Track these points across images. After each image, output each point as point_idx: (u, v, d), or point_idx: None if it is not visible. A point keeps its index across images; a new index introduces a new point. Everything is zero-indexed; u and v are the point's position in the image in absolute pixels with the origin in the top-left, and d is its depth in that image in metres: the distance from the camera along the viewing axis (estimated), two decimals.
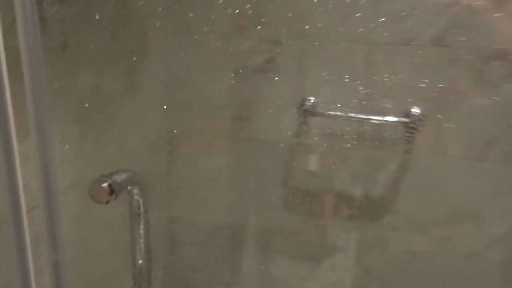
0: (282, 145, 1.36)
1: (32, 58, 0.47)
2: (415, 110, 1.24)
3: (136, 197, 0.83)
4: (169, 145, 1.43)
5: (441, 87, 1.20)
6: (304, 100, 1.30)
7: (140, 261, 0.90)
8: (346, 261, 1.42)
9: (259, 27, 1.28)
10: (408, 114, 1.24)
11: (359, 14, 1.20)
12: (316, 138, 1.33)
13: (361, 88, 1.26)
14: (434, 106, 1.22)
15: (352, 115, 1.24)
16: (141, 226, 0.87)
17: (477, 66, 1.16)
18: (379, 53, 1.22)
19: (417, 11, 1.16)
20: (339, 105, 1.28)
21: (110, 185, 0.70)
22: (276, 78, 1.31)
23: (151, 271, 0.93)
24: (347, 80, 1.26)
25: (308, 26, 1.25)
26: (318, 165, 1.36)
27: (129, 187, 0.81)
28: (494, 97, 1.17)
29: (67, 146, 0.90)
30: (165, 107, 1.41)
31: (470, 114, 1.20)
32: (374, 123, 1.26)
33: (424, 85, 1.21)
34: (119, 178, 0.74)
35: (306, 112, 1.30)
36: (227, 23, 1.31)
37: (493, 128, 1.19)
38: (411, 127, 1.25)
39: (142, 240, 0.88)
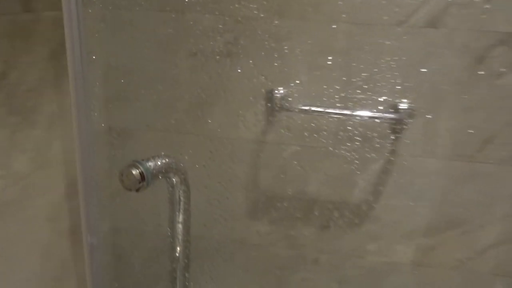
0: (246, 143, 1.15)
1: None
2: (404, 104, 1.06)
3: (174, 186, 0.81)
4: (108, 146, 1.18)
5: (434, 76, 1.02)
6: (273, 91, 1.09)
7: (178, 249, 0.89)
8: (319, 274, 1.24)
9: (222, 1, 1.05)
10: (395, 109, 1.06)
11: None
12: (287, 136, 1.13)
13: (342, 77, 1.06)
14: (426, 99, 1.04)
15: (330, 110, 1.04)
16: (180, 216, 0.86)
17: (478, 53, 0.99)
18: (364, 35, 1.02)
19: None
20: (314, 98, 1.08)
21: (141, 173, 0.66)
22: (240, 64, 1.09)
23: (189, 260, 0.92)
24: (325, 67, 1.06)
25: (281, 1, 1.03)
26: (289, 167, 1.16)
27: (170, 175, 0.78)
28: (495, 89, 1.01)
29: None
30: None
31: (466, 109, 1.03)
32: (355, 119, 1.07)
33: (415, 75, 1.03)
34: (153, 165, 0.70)
35: (275, 106, 1.09)
36: None
37: (491, 124, 1.03)
38: (397, 124, 1.07)
39: (180, 229, 0.87)
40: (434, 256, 1.17)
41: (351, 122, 1.09)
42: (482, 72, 1.00)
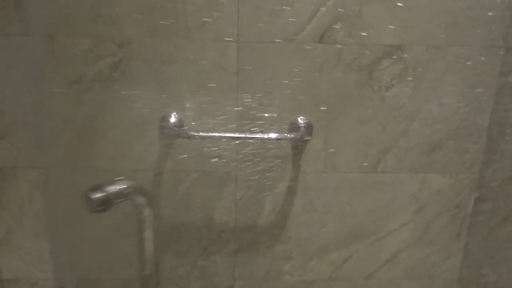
0: (142, 175, 1.06)
1: None
2: (301, 121, 1.03)
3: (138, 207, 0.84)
4: None
5: (329, 92, 1.01)
6: (166, 117, 1.01)
7: (146, 268, 0.91)
8: None
9: (98, 22, 0.95)
10: (293, 127, 1.03)
11: (230, 4, 0.94)
12: (186, 163, 1.05)
13: (236, 98, 1.01)
14: (322, 115, 1.03)
15: (227, 134, 0.98)
16: (145, 234, 0.88)
17: (367, 66, 0.99)
18: (256, 53, 0.98)
19: (299, 4, 0.94)
20: (209, 122, 1.02)
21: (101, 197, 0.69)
22: (126, 90, 1.00)
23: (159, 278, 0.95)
24: (218, 89, 1.00)
25: (164, 21, 0.96)
26: (191, 194, 1.09)
27: (133, 198, 0.81)
28: (386, 101, 1.02)
29: None
30: None
31: (361, 122, 1.03)
32: (254, 141, 1.02)
33: (310, 91, 1.01)
34: (113, 188, 0.72)
35: (169, 132, 1.01)
36: (53, 19, 0.95)
37: (386, 135, 1.04)
38: (298, 142, 1.04)
39: (146, 247, 0.89)
40: (347, 268, 1.17)
41: (251, 144, 1.04)
42: (373, 85, 1.00)
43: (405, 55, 0.98)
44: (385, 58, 0.98)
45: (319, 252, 1.15)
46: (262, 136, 1.01)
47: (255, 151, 1.05)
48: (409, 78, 1.00)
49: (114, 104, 1.01)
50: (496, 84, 1.01)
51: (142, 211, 0.87)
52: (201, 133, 0.98)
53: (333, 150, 1.05)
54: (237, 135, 0.98)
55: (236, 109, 1.01)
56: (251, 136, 1.00)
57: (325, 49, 0.97)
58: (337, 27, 0.96)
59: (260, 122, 1.02)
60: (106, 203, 0.70)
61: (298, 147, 1.06)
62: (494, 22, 0.97)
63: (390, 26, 0.96)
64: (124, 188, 0.77)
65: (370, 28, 0.96)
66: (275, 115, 1.03)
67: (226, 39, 0.96)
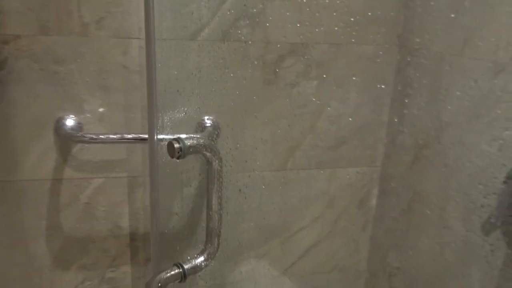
0: (38, 185, 0.97)
1: None
2: (208, 121, 1.01)
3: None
4: None
5: (235, 90, 1.00)
6: (62, 120, 0.94)
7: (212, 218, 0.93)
8: None
9: None
10: (201, 127, 1.01)
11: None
12: (86, 169, 0.98)
13: (139, 98, 0.96)
14: (230, 113, 1.01)
15: (130, 136, 0.93)
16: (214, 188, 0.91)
17: (272, 64, 0.99)
18: (160, 51, 0.93)
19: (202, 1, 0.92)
20: (110, 124, 0.96)
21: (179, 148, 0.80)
22: (15, 91, 0.91)
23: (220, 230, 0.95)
24: (119, 89, 0.94)
25: (57, 16, 0.88)
26: (95, 202, 1.01)
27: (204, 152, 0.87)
28: (292, 98, 1.03)
29: None
30: None
31: (270, 120, 1.03)
32: (160, 143, 0.98)
33: (217, 90, 0.99)
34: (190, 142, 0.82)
35: (67, 137, 0.93)
36: None
37: (295, 133, 1.06)
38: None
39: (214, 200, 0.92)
40: (261, 268, 1.16)
41: (159, 147, 1.00)
42: (278, 83, 1.01)
43: (309, 53, 1.00)
44: (290, 56, 0.99)
45: (234, 253, 1.14)
46: (168, 137, 0.97)
47: (165, 153, 1.01)
48: (313, 76, 1.02)
49: (2, 108, 0.91)
50: (393, 81, 1.07)
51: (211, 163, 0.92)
52: (101, 136, 0.92)
53: (241, 149, 1.04)
54: (139, 135, 0.93)
55: (140, 110, 0.96)
56: (156, 136, 0.95)
57: (229, 47, 0.96)
58: (240, 24, 0.95)
59: (166, 123, 0.98)
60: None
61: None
62: (390, 21, 1.03)
63: (293, 24, 0.97)
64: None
65: (274, 25, 0.96)
66: (181, 115, 0.99)
67: (127, 36, 0.91)
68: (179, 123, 0.99)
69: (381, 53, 1.05)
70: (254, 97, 1.01)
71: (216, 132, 1.01)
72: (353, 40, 1.01)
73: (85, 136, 0.92)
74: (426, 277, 0.98)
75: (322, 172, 1.10)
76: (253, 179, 1.07)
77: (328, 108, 1.05)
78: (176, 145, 0.80)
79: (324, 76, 1.02)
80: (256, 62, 0.98)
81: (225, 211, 1.07)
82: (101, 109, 0.95)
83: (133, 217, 1.04)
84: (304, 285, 1.23)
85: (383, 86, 1.07)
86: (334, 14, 0.98)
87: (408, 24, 1.01)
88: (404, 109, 1.04)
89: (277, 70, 1.00)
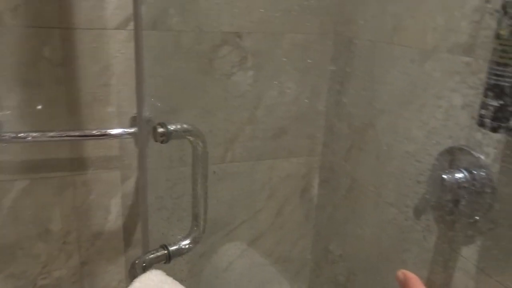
0: None
1: None
2: (145, 114, 0.96)
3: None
4: None
5: (169, 81, 0.96)
6: None
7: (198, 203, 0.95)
8: None
9: None
10: (136, 121, 0.96)
11: None
12: (7, 170, 0.91)
13: (65, 92, 0.90)
14: (165, 106, 0.97)
15: (56, 133, 0.87)
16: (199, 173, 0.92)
17: (206, 54, 0.96)
18: (85, 41, 0.88)
19: None
20: (34, 121, 0.89)
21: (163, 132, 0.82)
22: None
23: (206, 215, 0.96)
24: (43, 83, 0.88)
25: None
26: (21, 206, 0.94)
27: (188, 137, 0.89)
28: (228, 89, 1.00)
29: None
30: None
31: (206, 110, 1.00)
32: (93, 139, 0.93)
33: (150, 81, 0.94)
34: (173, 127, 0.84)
35: None
36: None
37: (232, 124, 1.03)
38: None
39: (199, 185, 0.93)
40: (204, 263, 1.14)
41: (90, 142, 0.94)
42: (213, 74, 0.98)
43: (244, 42, 0.97)
44: (224, 45, 0.96)
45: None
46: (100, 132, 0.92)
47: (93, 151, 0.95)
48: (249, 66, 0.99)
49: None
50: (330, 69, 1.07)
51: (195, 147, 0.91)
52: (23, 135, 0.85)
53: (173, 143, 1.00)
54: (67, 134, 0.87)
55: (66, 105, 0.90)
56: (86, 134, 0.90)
57: (160, 36, 0.92)
58: (171, 12, 0.91)
59: (96, 117, 0.93)
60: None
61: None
62: (325, 10, 1.02)
63: (227, 12, 0.94)
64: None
65: (206, 14, 0.93)
66: (113, 109, 0.94)
67: (47, 25, 0.85)
68: (111, 118, 0.94)
69: (316, 41, 1.05)
70: (189, 88, 0.97)
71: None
72: (288, 29, 1.00)
73: (4, 135, 0.85)
74: (365, 264, 1.00)
75: (262, 163, 1.09)
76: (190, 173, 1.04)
77: (266, 98, 1.04)
78: (160, 130, 0.82)
79: (261, 65, 1.01)
80: (189, 52, 0.95)
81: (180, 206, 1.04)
82: (21, 105, 0.88)
83: (65, 219, 0.98)
84: (249, 278, 1.22)
85: (318, 76, 1.07)
86: (268, 2, 0.97)
87: (342, 12, 1.01)
88: (340, 97, 1.05)
89: (212, 60, 0.97)
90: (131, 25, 0.89)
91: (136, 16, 0.79)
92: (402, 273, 0.43)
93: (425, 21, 0.77)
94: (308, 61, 1.05)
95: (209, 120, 1.01)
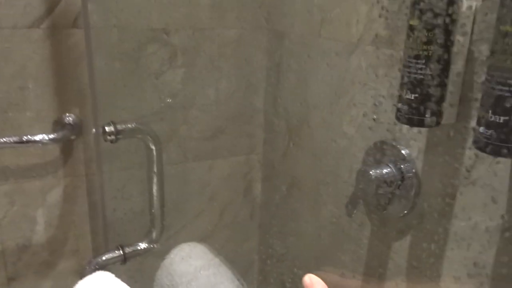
0: None
1: None
2: (69, 118, 0.91)
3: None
4: None
5: (91, 83, 0.90)
6: None
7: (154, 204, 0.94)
8: None
9: None
10: (59, 126, 0.90)
11: None
12: None
13: None
14: (89, 109, 0.92)
15: None
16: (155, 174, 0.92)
17: (131, 52, 0.91)
18: None
19: None
20: None
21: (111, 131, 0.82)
22: None
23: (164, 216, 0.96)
24: None
25: None
26: None
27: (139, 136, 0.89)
28: (158, 88, 0.96)
29: None
30: None
31: (135, 113, 0.96)
32: (10, 147, 0.86)
33: (73, 83, 0.89)
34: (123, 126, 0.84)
35: None
36: None
37: (164, 124, 0.99)
38: (66, 142, 0.91)
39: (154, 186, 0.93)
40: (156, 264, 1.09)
41: (7, 151, 0.88)
42: (141, 73, 0.93)
43: (172, 39, 0.93)
44: (150, 42, 0.92)
45: None
46: (18, 139, 0.86)
47: (15, 158, 0.89)
48: (179, 64, 0.95)
49: None
50: (265, 65, 1.04)
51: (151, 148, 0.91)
52: None
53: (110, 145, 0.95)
54: None
55: None
56: (2, 141, 0.84)
57: (81, 35, 0.86)
58: (91, 9, 0.85)
59: (14, 123, 0.86)
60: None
61: (68, 148, 0.93)
62: (256, 4, 0.99)
63: (152, 8, 0.90)
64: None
65: (129, 9, 0.88)
66: (32, 114, 0.88)
67: None
68: (30, 123, 0.88)
69: (250, 37, 1.01)
70: (116, 89, 0.92)
71: (75, 131, 0.91)
72: (219, 24, 0.97)
73: None
74: (307, 263, 0.98)
75: (200, 164, 1.05)
76: (125, 177, 0.99)
77: (200, 97, 1.00)
78: (108, 129, 0.81)
79: (192, 63, 0.97)
80: (111, 51, 0.89)
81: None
82: None
83: None
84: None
85: (254, 71, 1.04)
86: None
87: (274, 5, 0.99)
88: (276, 94, 1.02)
89: (139, 59, 0.92)
90: (45, 23, 0.83)
91: (85, 13, 0.76)
92: (308, 277, 0.41)
93: (350, 13, 0.75)
94: (243, 57, 1.02)
95: (141, 122, 0.96)
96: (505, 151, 0.43)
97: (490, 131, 0.44)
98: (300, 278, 0.41)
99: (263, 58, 1.03)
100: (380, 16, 0.68)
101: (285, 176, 1.03)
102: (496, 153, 0.44)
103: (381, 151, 0.71)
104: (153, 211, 0.97)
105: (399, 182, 0.67)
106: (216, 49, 0.98)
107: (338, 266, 0.86)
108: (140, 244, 0.98)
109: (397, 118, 0.57)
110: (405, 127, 0.66)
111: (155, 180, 0.94)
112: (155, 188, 0.95)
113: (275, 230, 1.12)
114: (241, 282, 1.04)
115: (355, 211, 0.73)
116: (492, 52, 0.44)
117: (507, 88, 0.42)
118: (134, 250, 0.97)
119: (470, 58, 0.55)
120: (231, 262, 1.18)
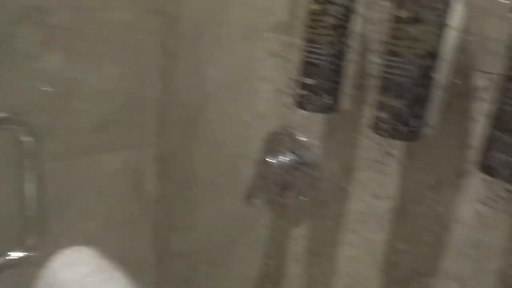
0: None
1: None
2: None
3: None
4: None
5: None
6: None
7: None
8: None
9: None
10: None
11: None
12: None
13: None
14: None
15: None
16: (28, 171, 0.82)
17: (5, 31, 0.78)
18: None
19: None
20: None
21: None
22: None
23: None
24: None
25: None
26: None
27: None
28: (33, 74, 0.84)
29: None
30: None
31: (11, 102, 0.83)
32: None
33: None
34: None
35: None
36: None
37: (43, 115, 0.88)
38: None
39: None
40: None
41: None
42: (13, 56, 0.81)
43: (49, 19, 0.82)
44: (24, 21, 0.80)
45: None
46: None
47: None
48: (57, 47, 0.85)
49: None
50: (159, 52, 0.98)
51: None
52: None
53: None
54: None
55: None
56: None
57: None
58: None
59: None
60: None
61: None
62: None
63: None
64: None
65: None
66: None
67: None
68: None
69: (142, 20, 0.94)
70: None
71: None
72: (105, 5, 0.88)
73: None
74: (207, 259, 0.95)
75: (85, 159, 0.95)
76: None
77: (83, 85, 0.90)
78: None
79: (73, 47, 0.86)
80: None
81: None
82: None
83: None
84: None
85: (147, 58, 0.97)
86: None
87: None
88: (171, 82, 0.97)
89: (8, 40, 0.79)
90: None
91: None
92: None
93: (250, 0, 0.73)
94: (134, 42, 0.94)
95: (13, 111, 0.84)
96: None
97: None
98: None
99: (156, 44, 0.97)
100: (280, 3, 0.67)
101: (181, 168, 0.99)
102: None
103: (280, 138, 0.70)
104: (27, 214, 0.86)
105: (299, 169, 0.68)
106: (102, 33, 0.89)
107: (242, 258, 0.85)
108: (11, 253, 0.87)
109: (296, 104, 0.56)
110: (305, 113, 0.66)
111: (30, 178, 0.84)
112: (30, 187, 0.84)
113: (172, 226, 1.07)
114: (135, 285, 0.97)
115: (254, 201, 0.72)
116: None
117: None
118: (5, 261, 0.86)
119: (364, 44, 0.56)
120: (124, 264, 1.10)
